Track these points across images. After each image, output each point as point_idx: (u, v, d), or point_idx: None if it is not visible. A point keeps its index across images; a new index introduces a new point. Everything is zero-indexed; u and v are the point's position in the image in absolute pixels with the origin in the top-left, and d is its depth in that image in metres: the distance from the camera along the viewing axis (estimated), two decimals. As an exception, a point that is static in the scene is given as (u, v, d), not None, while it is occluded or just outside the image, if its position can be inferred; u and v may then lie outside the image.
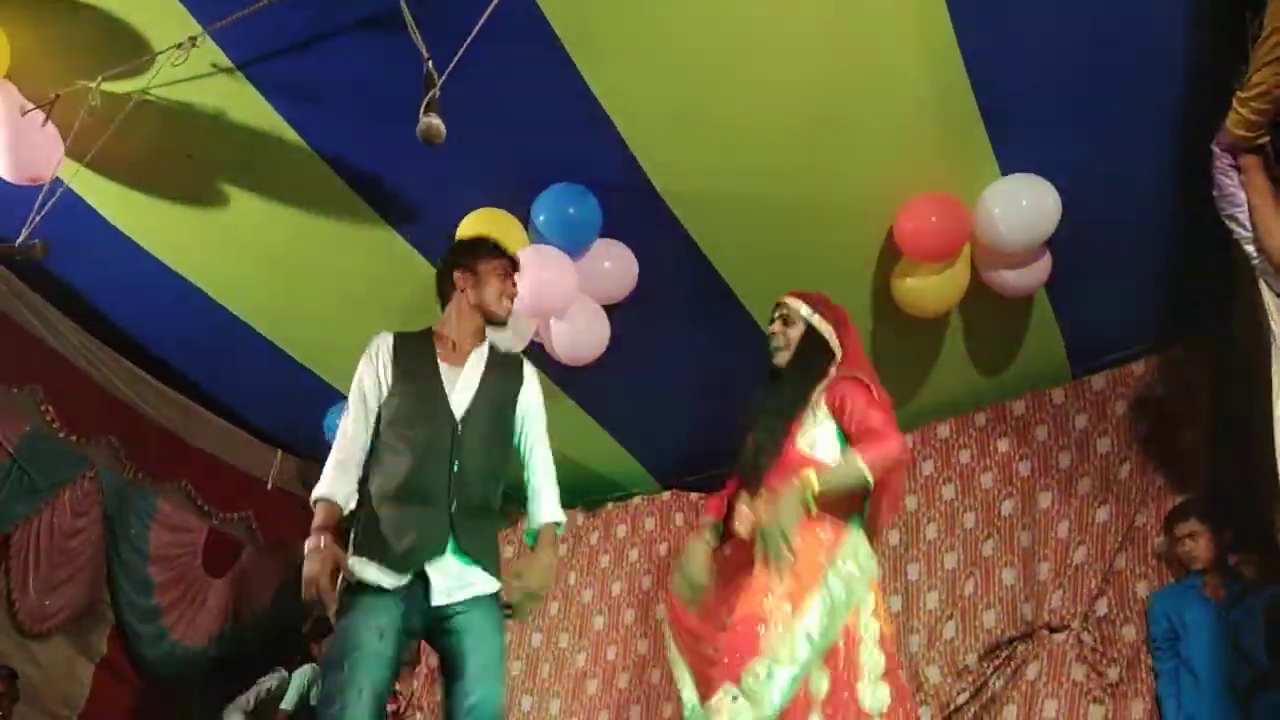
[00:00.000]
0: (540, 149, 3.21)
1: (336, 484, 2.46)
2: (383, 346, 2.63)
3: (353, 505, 2.50)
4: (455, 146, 3.02)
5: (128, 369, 4.29)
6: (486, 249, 2.71)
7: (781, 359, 2.68)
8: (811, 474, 2.35)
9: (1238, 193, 2.70)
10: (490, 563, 2.48)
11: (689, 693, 2.50)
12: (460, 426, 2.51)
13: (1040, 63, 2.85)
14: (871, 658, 2.32)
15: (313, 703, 4.54)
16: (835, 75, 2.93)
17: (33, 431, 3.93)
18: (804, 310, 2.71)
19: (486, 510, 2.54)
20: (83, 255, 3.71)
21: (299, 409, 4.49)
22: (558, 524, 2.60)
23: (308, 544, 2.36)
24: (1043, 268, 3.35)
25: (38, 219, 3.03)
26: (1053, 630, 3.79)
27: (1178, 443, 3.76)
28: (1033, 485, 4.03)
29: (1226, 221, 2.77)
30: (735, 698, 2.27)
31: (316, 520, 2.41)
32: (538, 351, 3.53)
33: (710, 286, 3.64)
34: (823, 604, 2.32)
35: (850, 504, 2.47)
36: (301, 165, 3.24)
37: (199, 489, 4.68)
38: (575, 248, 3.29)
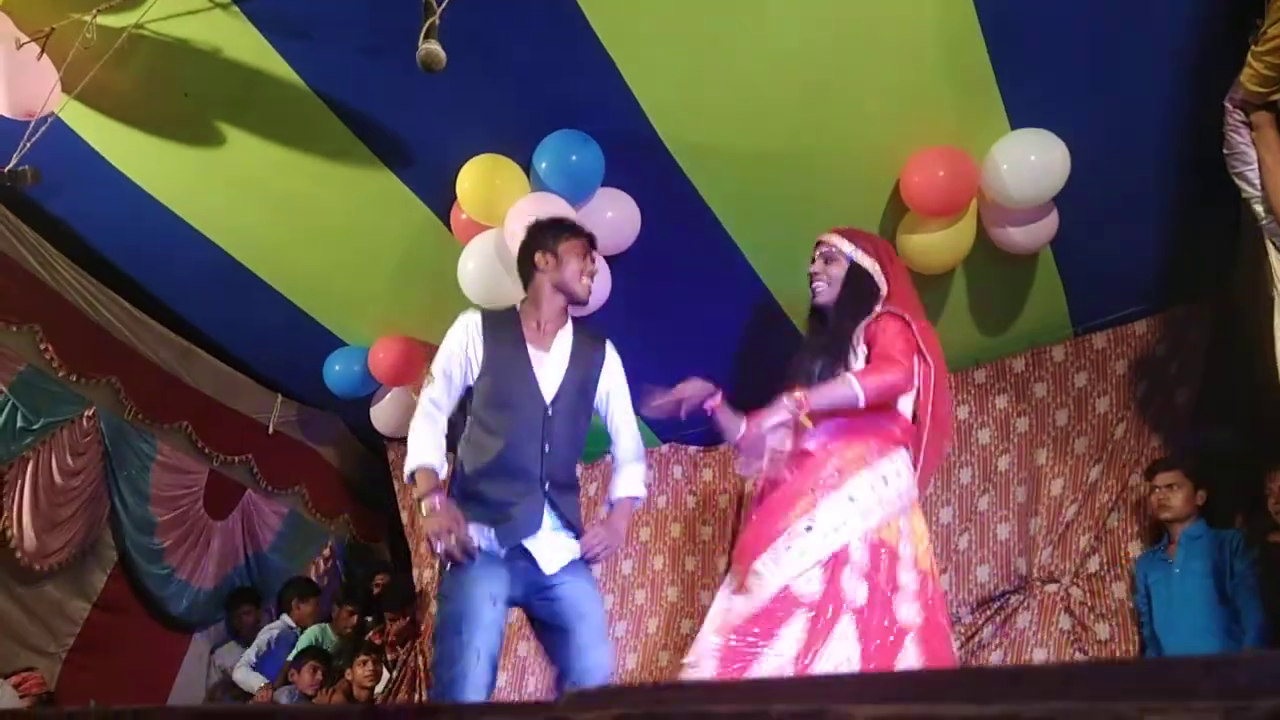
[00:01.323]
0: (543, 95, 3.16)
1: (430, 452, 2.58)
2: (472, 326, 2.72)
3: (444, 473, 2.62)
4: (455, 90, 2.99)
5: (126, 309, 4.28)
6: (565, 229, 2.77)
7: (825, 296, 2.73)
8: (804, 393, 2.48)
9: (1249, 150, 2.67)
10: (579, 529, 2.68)
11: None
12: (550, 409, 2.64)
13: (1053, 15, 2.79)
14: (910, 579, 2.44)
15: (325, 646, 4.65)
16: (845, 25, 2.88)
17: (28, 370, 3.93)
18: (846, 247, 2.73)
19: (572, 485, 2.72)
20: (78, 191, 3.68)
21: (298, 353, 4.49)
22: (636, 498, 2.80)
23: (426, 505, 2.52)
24: (1049, 225, 3.31)
25: (28, 146, 3.00)
26: (1045, 583, 3.84)
27: (1174, 404, 3.77)
28: (1030, 442, 4.04)
29: (1236, 180, 2.74)
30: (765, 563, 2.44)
31: (424, 487, 2.54)
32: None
33: (714, 239, 3.61)
34: (844, 499, 2.47)
35: (902, 433, 2.59)
36: (299, 104, 3.20)
37: (199, 431, 4.69)
38: (577, 196, 3.26)
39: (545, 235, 2.76)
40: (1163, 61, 2.90)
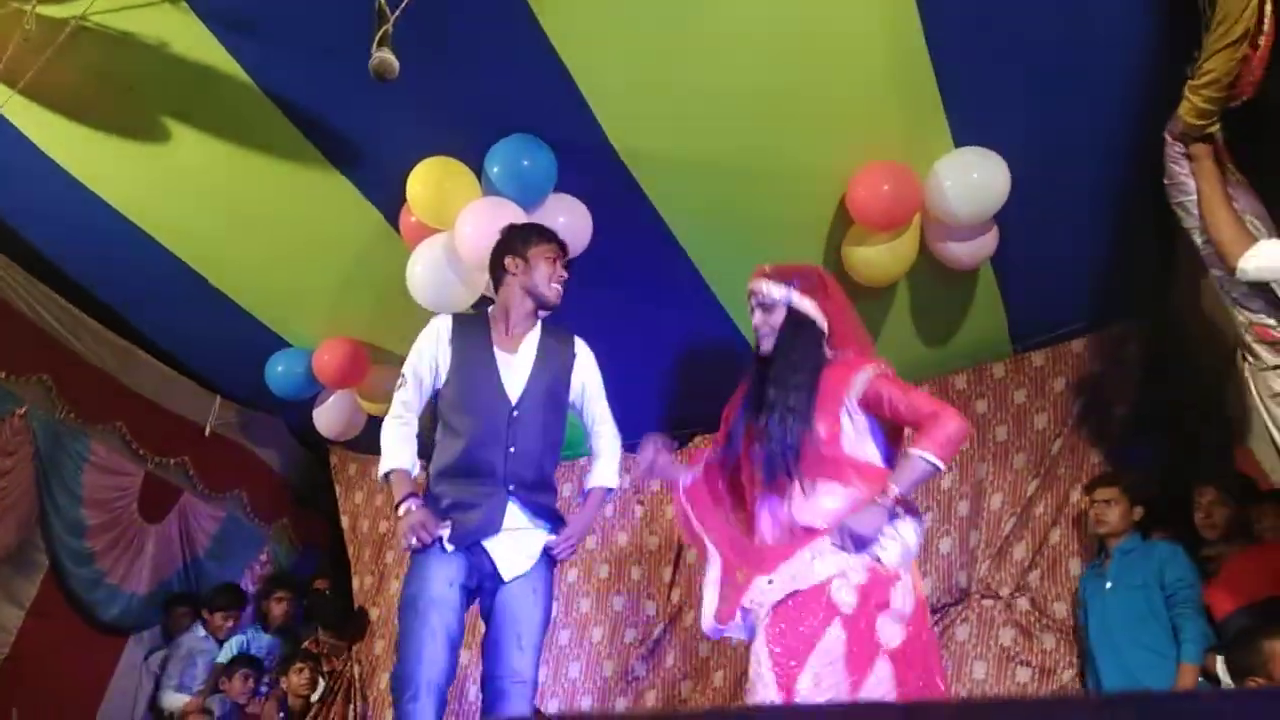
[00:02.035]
0: (496, 98, 3.15)
1: (402, 454, 2.70)
2: (442, 330, 2.80)
3: (418, 474, 2.73)
4: (407, 91, 2.96)
5: (62, 306, 4.16)
6: (536, 234, 2.84)
7: (768, 345, 2.67)
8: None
9: (1188, 181, 2.75)
10: (548, 522, 2.74)
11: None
12: (515, 410, 2.70)
13: (999, 37, 2.86)
14: (902, 601, 2.45)
15: (254, 652, 4.54)
16: (796, 39, 2.91)
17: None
18: (779, 292, 2.67)
19: (543, 483, 2.76)
20: (16, 186, 3.58)
21: (240, 354, 4.41)
22: (609, 489, 2.88)
23: (402, 508, 2.62)
24: (989, 242, 3.38)
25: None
26: (983, 597, 3.90)
27: (1109, 420, 3.86)
28: (971, 458, 4.10)
29: (1176, 209, 2.82)
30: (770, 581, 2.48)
31: (399, 489, 2.66)
32: (487, 303, 3.49)
33: (664, 246, 3.62)
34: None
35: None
36: (247, 103, 3.14)
37: (134, 432, 4.57)
38: (529, 201, 3.25)
39: (516, 239, 2.83)
40: (1103, 86, 2.98)
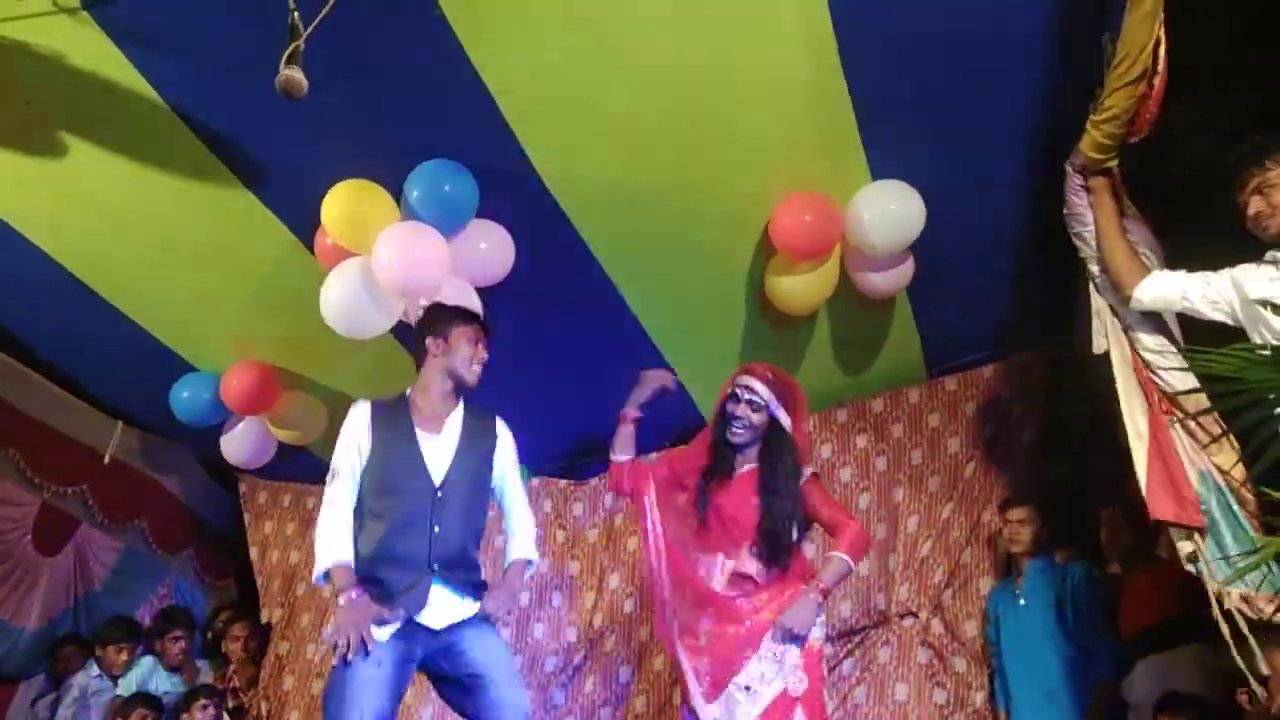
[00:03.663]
0: (416, 121, 3.10)
1: (340, 547, 2.68)
2: (361, 417, 2.82)
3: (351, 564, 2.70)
4: (323, 112, 2.90)
5: (-51, 328, 3.94)
6: (457, 316, 2.90)
7: (742, 439, 3.14)
8: (819, 582, 3.04)
9: (1086, 212, 2.86)
10: (473, 593, 2.78)
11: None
12: (440, 491, 2.74)
13: (914, 73, 2.94)
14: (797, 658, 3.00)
15: (154, 691, 4.33)
16: (720, 70, 2.95)
17: None
18: (770, 400, 3.13)
19: (466, 559, 2.80)
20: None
21: (143, 379, 4.23)
22: (529, 562, 2.95)
23: (343, 598, 2.60)
24: (905, 271, 3.47)
25: None
26: (902, 616, 3.97)
27: (1018, 443, 3.99)
28: (888, 480, 4.19)
29: (1075, 239, 2.93)
30: (746, 688, 2.92)
31: (339, 581, 2.63)
32: (404, 329, 3.43)
33: (588, 272, 3.61)
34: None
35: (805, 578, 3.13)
36: (153, 120, 3.03)
37: (29, 460, 4.35)
38: (449, 227, 3.20)
39: (439, 319, 2.89)
40: (1013, 123, 3.09)
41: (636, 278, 3.66)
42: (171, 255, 3.63)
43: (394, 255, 3.03)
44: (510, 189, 3.23)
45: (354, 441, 2.78)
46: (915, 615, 3.96)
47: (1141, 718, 2.98)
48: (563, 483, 4.81)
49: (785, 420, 3.16)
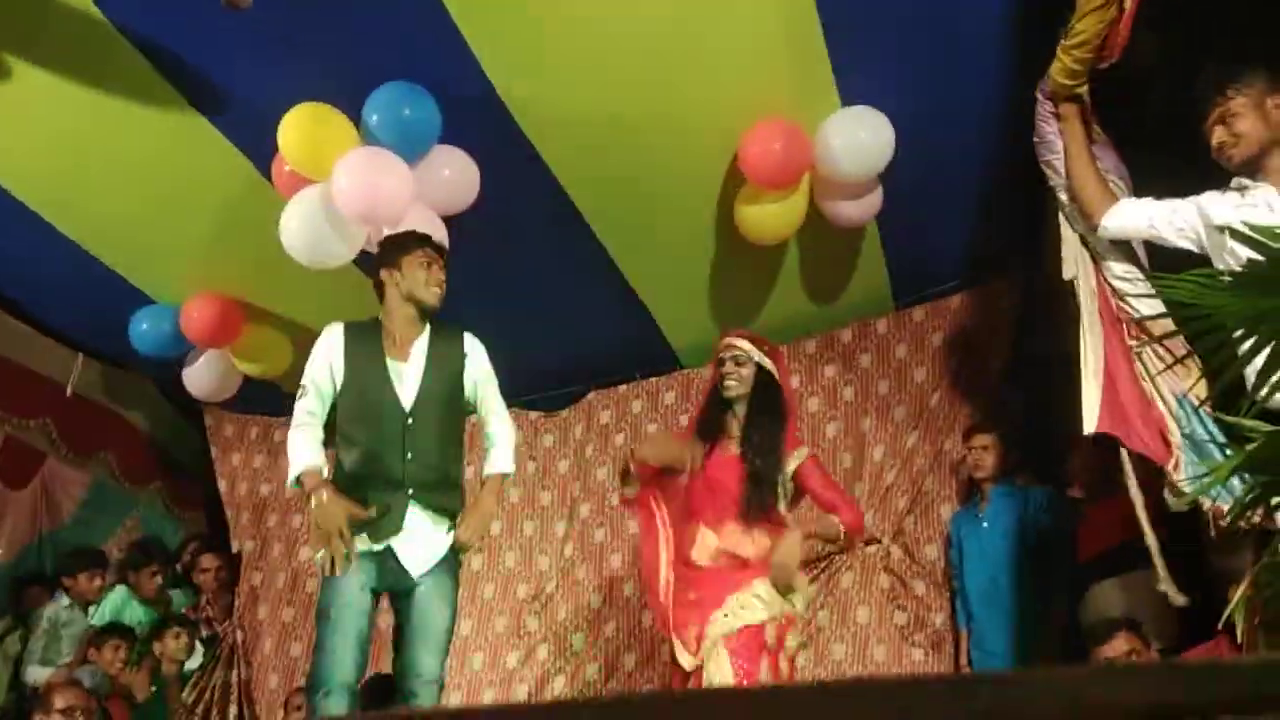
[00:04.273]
0: (375, 43, 3.00)
1: (312, 453, 2.74)
2: (335, 340, 2.86)
3: (327, 472, 2.76)
4: (278, 32, 2.80)
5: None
6: (406, 241, 2.90)
7: (736, 392, 3.11)
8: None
9: (1056, 140, 2.84)
10: (450, 520, 2.82)
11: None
12: (410, 418, 2.79)
13: (884, -3, 2.88)
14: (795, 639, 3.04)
15: (127, 622, 4.34)
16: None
17: None
18: (755, 354, 3.15)
19: (446, 480, 2.85)
20: None
21: (102, 312, 4.15)
22: (505, 474, 2.95)
23: (315, 499, 2.66)
24: (875, 200, 3.45)
25: None
26: (866, 544, 4.02)
27: (984, 373, 4.03)
28: (855, 410, 4.23)
29: (1044, 167, 2.91)
30: (726, 615, 2.90)
31: (310, 483, 2.69)
32: (365, 260, 3.37)
33: (555, 203, 3.55)
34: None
35: None
36: (98, 39, 2.92)
37: (-9, 393, 4.29)
38: (411, 152, 3.12)
39: (388, 250, 2.91)
40: (984, 49, 3.04)
41: (603, 205, 3.61)
42: (125, 184, 3.53)
43: (354, 181, 2.96)
44: (473, 114, 3.15)
45: (326, 361, 2.83)
46: (879, 541, 4.05)
47: (1096, 638, 3.07)
48: (533, 414, 4.81)
49: (771, 366, 3.18)
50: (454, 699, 4.28)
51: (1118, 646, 2.93)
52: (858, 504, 3.25)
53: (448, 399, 2.89)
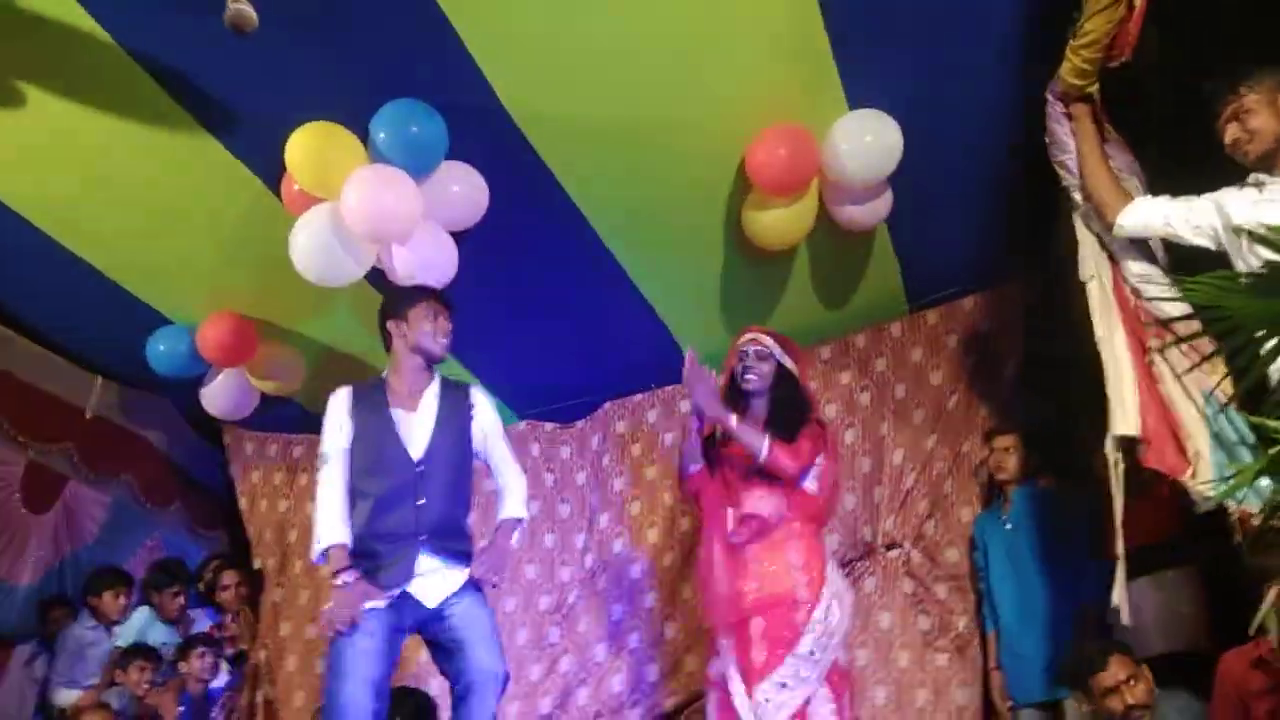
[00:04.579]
0: (381, 61, 3.01)
1: (335, 529, 2.84)
2: (341, 402, 2.97)
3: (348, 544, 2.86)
4: (285, 52, 2.82)
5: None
6: (413, 294, 3.04)
7: (756, 385, 3.21)
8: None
9: (1068, 140, 2.81)
10: (463, 560, 2.92)
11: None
12: (421, 468, 2.88)
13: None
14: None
15: (151, 643, 4.36)
16: (693, 1, 2.85)
17: None
18: (776, 351, 3.26)
19: (454, 527, 2.94)
20: None
21: (119, 334, 4.18)
22: (519, 520, 3.06)
23: (338, 581, 2.77)
24: (884, 203, 3.41)
25: None
26: (888, 548, 4.02)
27: (1000, 375, 3.99)
28: (872, 415, 4.20)
29: (1057, 168, 2.88)
30: (784, 684, 2.97)
31: (335, 563, 2.80)
32: (376, 277, 3.38)
33: (564, 214, 3.55)
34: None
35: (817, 519, 3.22)
36: (108, 64, 2.93)
37: (12, 419, 4.31)
38: (419, 169, 3.13)
39: (395, 303, 3.02)
40: (992, 49, 3.01)
41: (613, 216, 3.60)
42: (136, 205, 3.55)
43: (363, 200, 2.96)
44: (480, 128, 3.15)
45: (337, 425, 2.93)
46: (900, 546, 4.01)
47: (1092, 666, 3.02)
48: (549, 426, 4.81)
49: (792, 366, 3.25)
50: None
51: (1116, 674, 2.90)
52: (799, 465, 3.15)
53: (457, 449, 2.98)
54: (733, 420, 3.11)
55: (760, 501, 3.13)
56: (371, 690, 2.71)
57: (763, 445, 3.07)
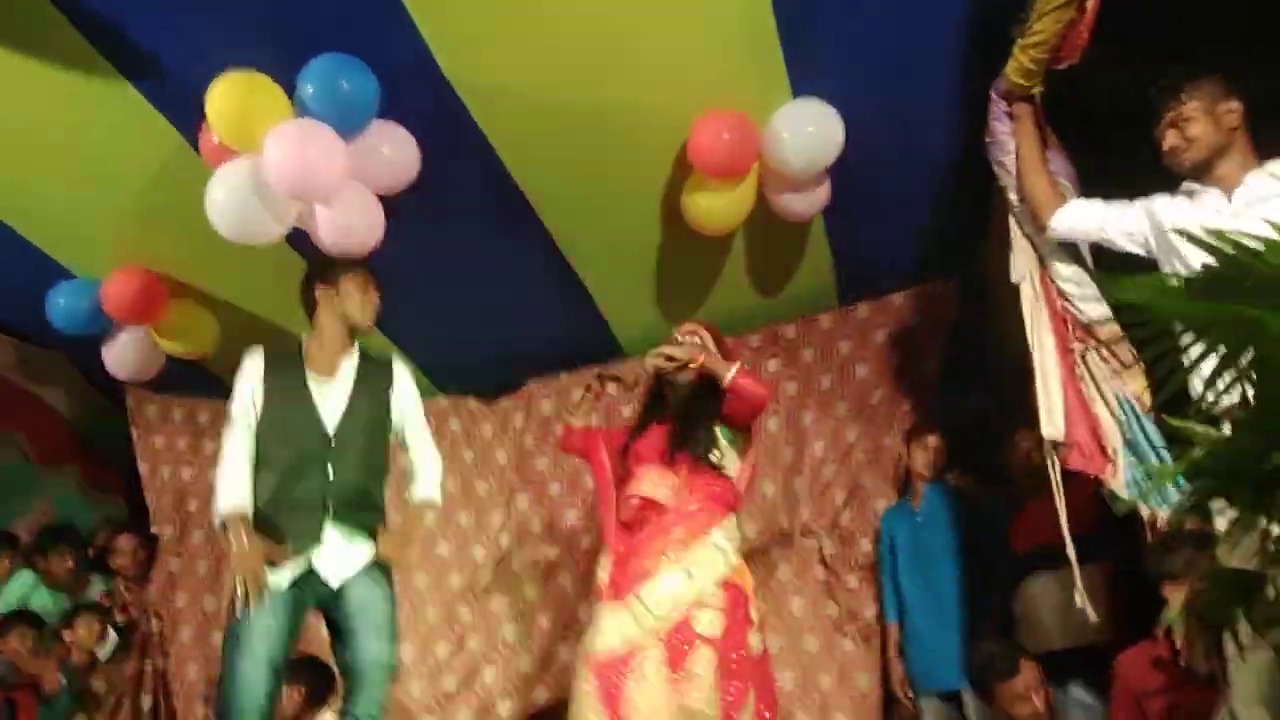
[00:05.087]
0: (313, 11, 2.85)
1: (235, 494, 2.73)
2: (255, 367, 2.88)
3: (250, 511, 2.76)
4: (208, -3, 2.65)
5: None
6: (346, 263, 2.96)
7: (683, 379, 3.07)
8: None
9: (1009, 140, 2.84)
10: (371, 535, 2.85)
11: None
12: (334, 440, 2.82)
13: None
14: (757, 611, 2.91)
15: (35, 609, 4.14)
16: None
17: None
18: (712, 348, 3.17)
19: (367, 500, 2.87)
20: None
21: (18, 286, 3.91)
22: (430, 503, 3.00)
23: (237, 542, 2.66)
24: (822, 194, 3.41)
25: None
26: (803, 535, 4.09)
27: (924, 371, 4.06)
28: (797, 405, 4.24)
29: (995, 167, 2.91)
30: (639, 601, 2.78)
31: (235, 528, 2.68)
32: (298, 238, 3.23)
33: (499, 185, 3.44)
34: (706, 551, 2.85)
35: (729, 505, 3.00)
36: (20, 2, 2.73)
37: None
38: (348, 127, 2.97)
39: (327, 269, 2.95)
40: (938, 46, 3.01)
41: (549, 189, 3.51)
42: (43, 152, 3.32)
43: (286, 155, 2.81)
44: (415, 90, 3.02)
45: (248, 390, 2.85)
46: (815, 535, 4.08)
47: (999, 672, 3.11)
48: (472, 402, 4.72)
49: (723, 374, 3.03)
50: (382, 691, 4.17)
51: (1026, 681, 3.01)
52: (767, 393, 3.11)
53: (373, 422, 2.92)
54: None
55: (658, 484, 2.98)
56: (269, 669, 2.65)
57: (730, 373, 2.95)
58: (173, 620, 4.58)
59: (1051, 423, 2.57)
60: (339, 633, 2.83)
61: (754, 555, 4.06)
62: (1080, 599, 2.59)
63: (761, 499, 4.15)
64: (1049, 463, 2.62)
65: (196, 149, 3.18)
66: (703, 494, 2.96)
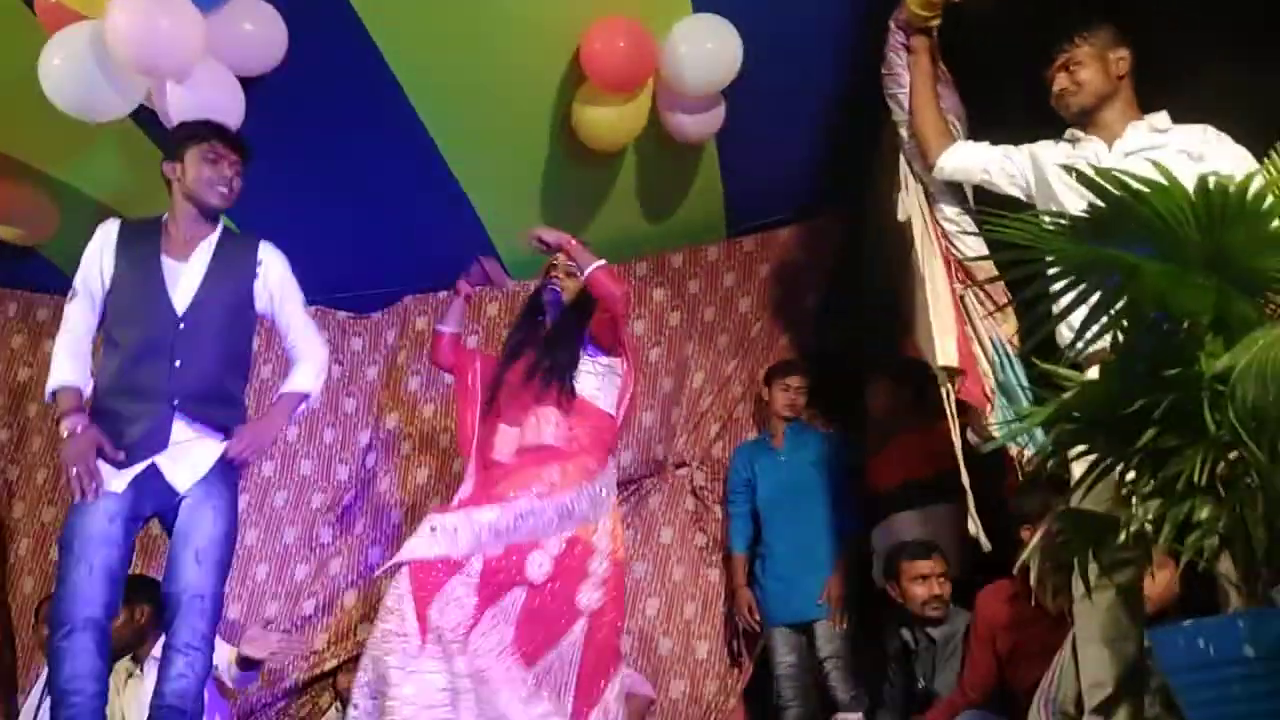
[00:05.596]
0: None
1: (70, 370, 2.58)
2: (108, 237, 2.68)
3: (89, 391, 2.60)
4: None
5: None
6: (196, 131, 2.68)
7: (553, 297, 3.02)
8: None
9: (904, 73, 2.81)
10: (222, 434, 2.63)
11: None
12: (182, 323, 2.60)
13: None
14: (600, 567, 2.78)
15: None
16: None
17: None
18: (588, 271, 2.96)
19: (218, 396, 2.66)
20: None
21: None
22: (304, 394, 2.77)
23: (65, 427, 2.50)
24: (716, 116, 3.34)
25: None
26: (676, 466, 4.10)
27: (803, 308, 4.09)
28: (680, 335, 4.21)
29: (889, 100, 2.88)
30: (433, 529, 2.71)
31: (64, 406, 2.54)
32: (147, 116, 2.95)
33: (377, 81, 3.23)
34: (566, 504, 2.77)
35: (608, 446, 2.94)
36: None
37: None
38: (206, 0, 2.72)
39: (173, 143, 2.71)
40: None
41: (431, 91, 3.32)
42: None
43: (132, 21, 2.55)
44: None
45: (96, 261, 2.65)
46: (688, 465, 4.10)
47: (909, 554, 3.22)
48: (341, 315, 4.49)
49: (588, 264, 2.92)
50: (233, 611, 4.01)
51: (934, 567, 3.16)
52: (627, 299, 3.00)
53: (230, 308, 2.69)
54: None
55: (541, 427, 2.87)
56: (105, 578, 2.47)
57: (595, 264, 2.85)
58: (10, 531, 4.27)
59: (945, 352, 2.59)
60: (172, 546, 2.64)
61: (625, 484, 4.07)
62: (974, 526, 2.64)
63: (639, 429, 4.12)
64: (943, 391, 2.64)
65: (32, 8, 2.87)
66: (588, 437, 2.88)
